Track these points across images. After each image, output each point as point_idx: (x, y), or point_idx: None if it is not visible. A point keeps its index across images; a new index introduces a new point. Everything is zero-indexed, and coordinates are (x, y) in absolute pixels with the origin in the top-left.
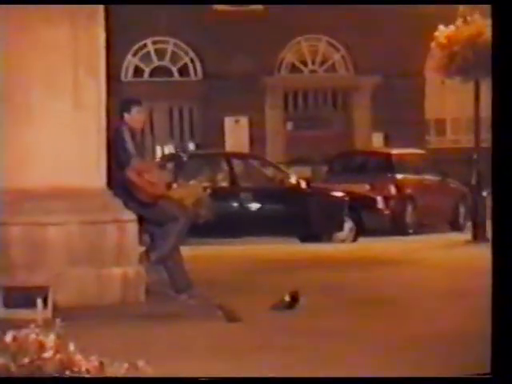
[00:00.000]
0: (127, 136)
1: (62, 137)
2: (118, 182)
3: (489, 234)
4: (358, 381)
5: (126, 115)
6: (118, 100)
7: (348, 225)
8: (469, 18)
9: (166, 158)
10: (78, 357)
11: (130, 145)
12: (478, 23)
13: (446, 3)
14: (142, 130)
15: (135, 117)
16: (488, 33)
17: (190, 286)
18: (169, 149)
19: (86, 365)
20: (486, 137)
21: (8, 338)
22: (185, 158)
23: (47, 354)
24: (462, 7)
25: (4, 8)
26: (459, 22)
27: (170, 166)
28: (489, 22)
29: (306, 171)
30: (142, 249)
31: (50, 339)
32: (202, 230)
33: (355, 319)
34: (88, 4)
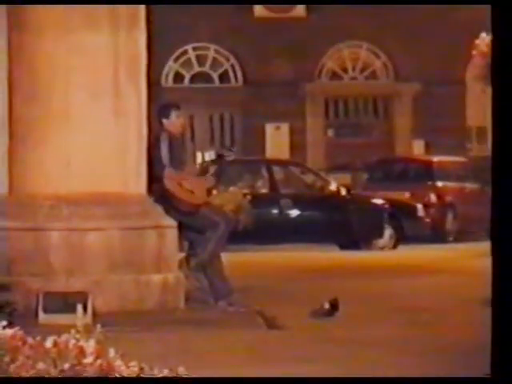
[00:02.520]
0: (164, 144)
1: (102, 142)
2: (156, 191)
3: None
4: (358, 381)
5: (164, 120)
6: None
7: (388, 232)
8: None
9: (208, 164)
10: (118, 362)
11: (164, 154)
12: None
13: (446, 3)
14: (182, 135)
15: (174, 122)
16: None
17: (229, 292)
18: (210, 155)
19: (126, 371)
20: None
21: (48, 343)
22: (228, 158)
23: (87, 360)
24: None
25: (46, 10)
26: None
27: (212, 170)
28: None
29: (347, 178)
30: (182, 255)
31: (90, 345)
32: (241, 237)
33: (395, 328)
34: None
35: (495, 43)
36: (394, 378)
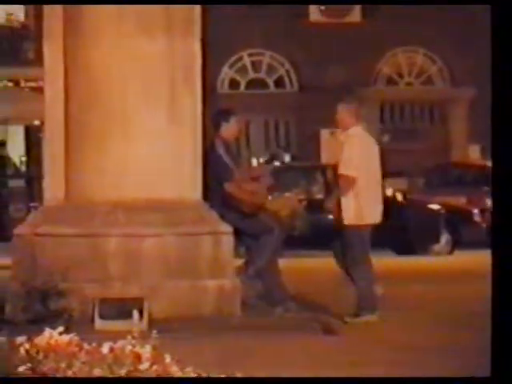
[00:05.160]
0: (222, 150)
1: (158, 148)
2: (215, 195)
3: None
4: (358, 381)
5: (223, 125)
6: (214, 111)
7: (444, 237)
8: None
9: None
10: (174, 368)
11: (227, 159)
12: None
13: (446, 3)
14: (237, 140)
15: (232, 127)
16: None
17: (286, 298)
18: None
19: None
20: None
21: (105, 349)
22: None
23: (143, 366)
24: None
25: (101, 16)
26: None
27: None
28: None
29: (403, 183)
30: (238, 261)
31: (147, 350)
32: (297, 242)
33: (450, 333)
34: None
35: (495, 43)
36: (394, 378)
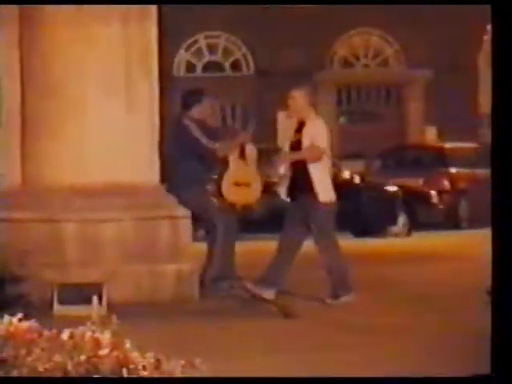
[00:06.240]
0: (193, 129)
1: (116, 133)
2: (177, 173)
3: None
4: (358, 381)
5: (195, 106)
6: (176, 94)
7: (401, 219)
8: None
9: None
10: (135, 354)
11: (201, 137)
12: None
13: (445, 3)
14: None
15: (205, 108)
16: None
17: (232, 276)
18: None
19: (142, 362)
20: None
21: (65, 335)
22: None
23: (103, 352)
24: None
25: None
26: None
27: None
28: None
29: (360, 166)
30: (197, 245)
31: (106, 336)
32: (255, 225)
33: (409, 315)
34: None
35: (495, 43)
36: (394, 377)
